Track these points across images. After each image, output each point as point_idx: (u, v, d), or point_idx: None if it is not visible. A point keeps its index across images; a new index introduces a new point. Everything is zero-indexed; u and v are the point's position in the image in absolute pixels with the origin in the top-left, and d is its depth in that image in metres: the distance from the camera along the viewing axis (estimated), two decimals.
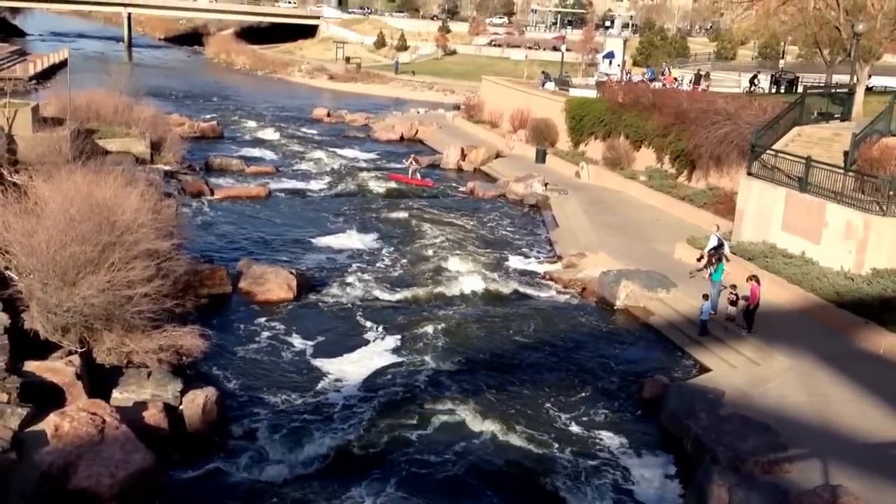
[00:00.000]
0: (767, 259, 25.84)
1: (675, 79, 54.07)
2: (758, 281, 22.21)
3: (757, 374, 20.14)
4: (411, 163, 44.17)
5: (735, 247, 27.16)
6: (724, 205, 32.18)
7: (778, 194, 26.78)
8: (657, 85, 50.23)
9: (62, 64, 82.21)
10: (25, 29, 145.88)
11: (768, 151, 28.03)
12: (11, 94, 38.42)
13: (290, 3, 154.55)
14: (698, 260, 26.56)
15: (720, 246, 25.45)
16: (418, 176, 43.37)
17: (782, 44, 69.30)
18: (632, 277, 26.19)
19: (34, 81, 69.96)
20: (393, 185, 41.85)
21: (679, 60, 69.27)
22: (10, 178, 27.31)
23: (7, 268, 19.07)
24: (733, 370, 20.75)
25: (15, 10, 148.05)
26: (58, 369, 15.65)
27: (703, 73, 56.16)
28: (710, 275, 24.34)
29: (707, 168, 36.40)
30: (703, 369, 21.28)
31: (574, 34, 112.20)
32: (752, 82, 50.35)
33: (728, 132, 34.34)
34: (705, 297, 22.93)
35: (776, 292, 24.19)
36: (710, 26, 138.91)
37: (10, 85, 49.52)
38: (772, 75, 51.16)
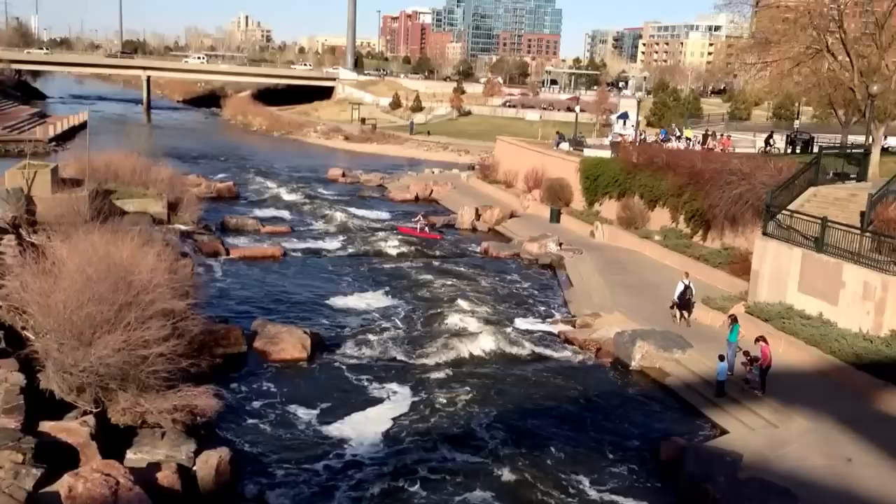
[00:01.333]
0: (784, 320, 25.64)
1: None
2: (765, 340, 22.15)
3: (775, 437, 19.84)
4: (419, 220, 45.85)
5: (751, 307, 27.03)
6: (740, 265, 32.06)
7: (794, 255, 26.69)
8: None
9: (82, 126, 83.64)
10: (46, 91, 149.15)
11: (784, 211, 28.01)
12: (31, 155, 39.23)
13: (306, 65, 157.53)
14: (671, 307, 28.91)
15: (685, 291, 28.30)
16: (427, 230, 45.06)
17: (797, 104, 69.85)
18: (647, 338, 26.03)
19: (54, 143, 71.33)
20: (408, 245, 41.97)
21: (692, 121, 69.79)
22: (28, 239, 27.67)
23: (24, 328, 19.20)
24: (751, 432, 20.46)
25: (36, 74, 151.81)
26: (72, 429, 15.62)
27: (710, 132, 56.57)
28: (728, 335, 24.21)
29: (722, 228, 36.37)
30: (721, 431, 20.99)
31: (588, 95, 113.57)
32: (767, 142, 50.61)
33: (743, 192, 34.37)
34: (721, 357, 22.80)
35: (794, 354, 23.96)
36: (724, 87, 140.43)
37: (30, 147, 50.55)
38: (787, 135, 51.44)
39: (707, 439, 20.49)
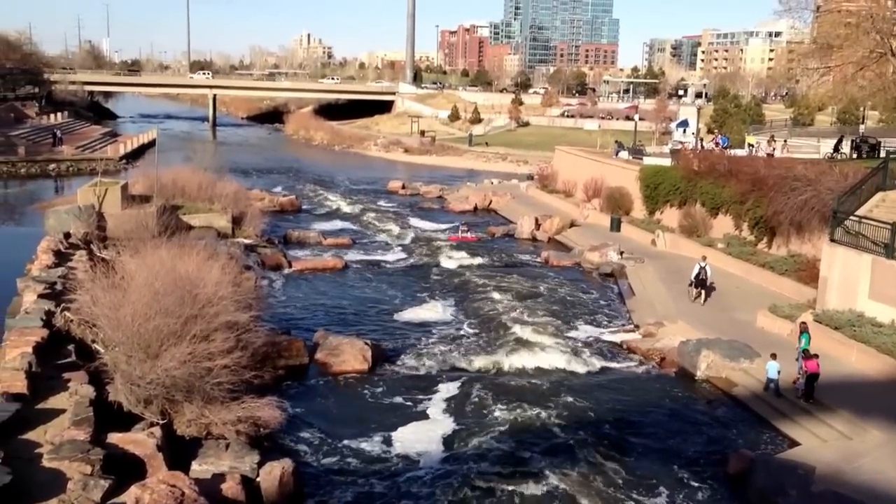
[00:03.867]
0: (855, 328, 24.87)
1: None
2: (808, 355, 22.04)
3: (849, 449, 19.22)
4: (462, 227, 48.25)
5: (820, 315, 26.29)
6: (807, 272, 31.27)
7: (863, 261, 25.90)
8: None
9: (150, 144, 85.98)
10: (117, 111, 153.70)
11: (851, 217, 27.22)
12: (103, 173, 40.37)
13: (354, 80, 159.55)
14: (689, 285, 32.43)
15: (700, 271, 31.82)
16: (468, 235, 47.15)
17: (862, 109, 67.99)
18: (713, 347, 25.53)
19: (124, 161, 73.36)
20: (468, 256, 41.92)
21: (754, 127, 68.41)
22: (99, 254, 28.45)
23: (94, 341, 19.68)
24: (824, 444, 19.85)
25: (107, 94, 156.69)
26: (140, 441, 15.90)
27: (774, 138, 55.19)
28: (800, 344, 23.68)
29: (787, 235, 35.55)
30: (792, 443, 20.43)
31: (647, 103, 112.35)
32: (836, 148, 49.25)
33: (808, 198, 33.56)
34: (773, 356, 22.68)
35: (866, 363, 23.22)
36: (786, 92, 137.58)
37: (101, 165, 52.10)
38: (852, 140, 50.03)
39: (777, 452, 19.93)
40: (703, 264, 32.21)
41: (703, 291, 32.07)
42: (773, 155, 47.88)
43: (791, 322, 26.92)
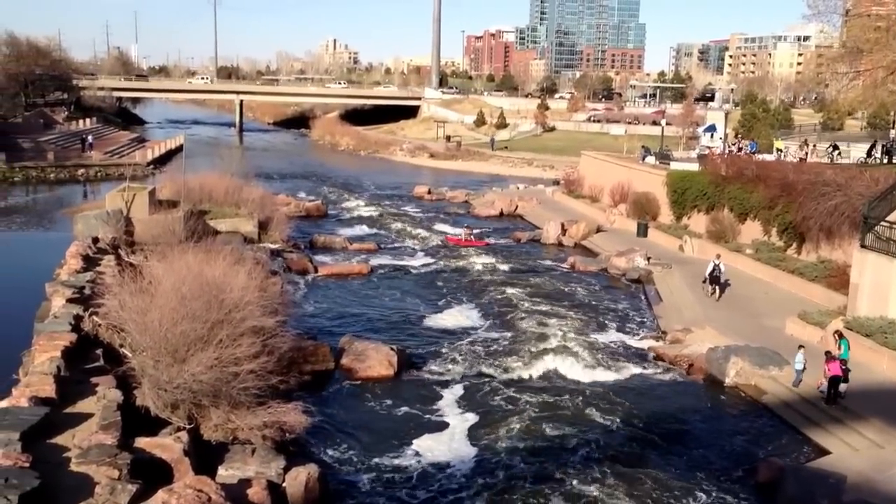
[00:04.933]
0: (886, 335, 24.48)
1: None
2: (829, 357, 22.03)
3: (881, 458, 18.90)
4: (466, 230, 48.64)
5: (850, 322, 25.90)
6: (837, 278, 30.86)
7: (895, 267, 25.50)
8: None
9: (178, 149, 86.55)
10: (144, 117, 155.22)
11: (882, 223, 26.82)
12: (131, 178, 40.68)
13: (388, 85, 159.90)
14: (703, 282, 34.12)
15: (714, 269, 33.51)
16: (472, 238, 47.57)
17: (892, 113, 67.08)
18: (741, 354, 25.24)
19: (152, 166, 73.99)
20: (494, 261, 41.86)
21: (783, 132, 67.73)
22: (126, 259, 28.66)
23: (122, 345, 19.80)
24: (855, 453, 19.54)
25: (136, 100, 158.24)
26: (167, 445, 15.95)
27: (804, 142, 54.57)
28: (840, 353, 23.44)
29: (817, 240, 35.11)
30: (822, 452, 20.13)
31: (674, 108, 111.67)
32: (869, 153, 48.58)
33: (838, 204, 33.13)
34: (801, 347, 22.90)
35: None
36: (815, 97, 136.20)
37: (129, 170, 52.51)
38: (883, 145, 49.38)
39: (808, 460, 19.68)
40: (717, 262, 34.01)
41: (717, 288, 33.55)
42: (805, 160, 47.37)
43: (821, 329, 26.59)
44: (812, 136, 61.13)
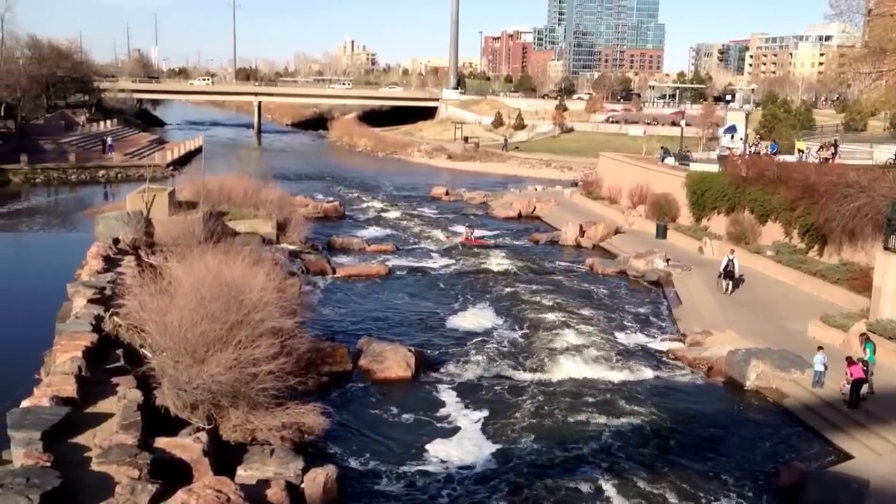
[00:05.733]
0: None
1: None
2: (850, 360, 21.86)
3: None
4: (467, 229, 48.90)
5: (873, 325, 25.62)
6: (860, 281, 30.53)
7: None
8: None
9: (197, 150, 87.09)
10: (164, 119, 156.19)
11: None
12: (151, 180, 40.96)
13: (397, 86, 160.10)
14: (718, 277, 34.90)
15: (728, 264, 34.30)
16: (472, 238, 47.59)
17: None
18: (762, 357, 25.01)
19: (171, 168, 74.45)
20: (512, 262, 41.75)
21: (804, 133, 67.19)
22: (147, 259, 28.82)
23: (142, 345, 19.90)
24: (878, 458, 19.30)
25: (155, 102, 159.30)
26: (186, 446, 16.01)
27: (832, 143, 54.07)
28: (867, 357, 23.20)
29: (840, 242, 34.77)
30: (845, 456, 19.91)
31: (693, 109, 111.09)
32: None
33: (861, 205, 32.78)
34: (820, 348, 22.75)
35: None
36: (837, 97, 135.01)
37: (149, 172, 52.91)
38: None
39: (830, 464, 19.46)
40: (731, 257, 34.77)
41: (730, 283, 34.37)
42: (829, 160, 46.87)
43: (843, 332, 26.33)
44: (835, 137, 60.57)
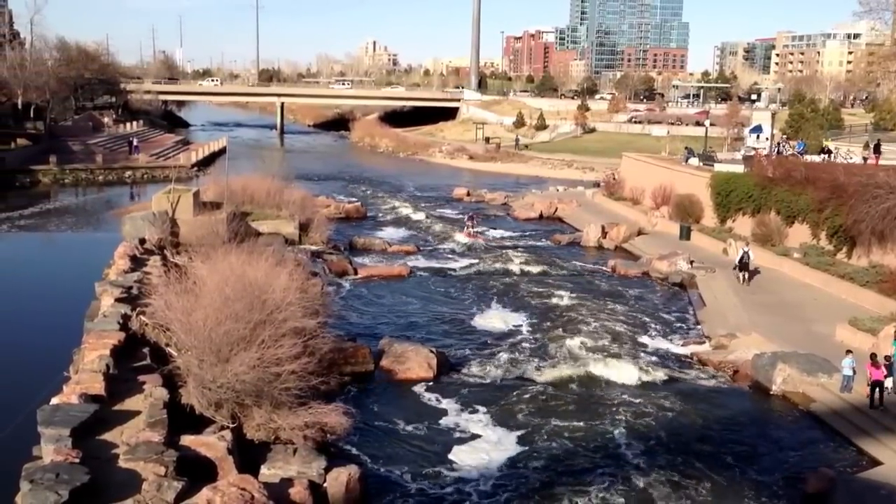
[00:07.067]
0: None
1: None
2: (874, 359, 21.85)
3: None
4: (468, 223, 50.41)
5: None
6: (890, 284, 30.19)
7: None
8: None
9: (221, 151, 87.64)
10: (189, 120, 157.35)
11: None
12: (175, 180, 41.24)
13: (417, 86, 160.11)
14: (734, 269, 36.44)
15: (743, 255, 35.82)
16: (472, 233, 49.04)
17: None
18: (789, 360, 24.75)
19: (196, 168, 74.94)
20: (534, 263, 41.60)
21: (832, 133, 66.49)
22: (172, 259, 29.03)
23: (167, 344, 20.05)
24: None
25: (180, 104, 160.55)
26: (211, 444, 16.10)
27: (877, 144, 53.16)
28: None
29: (869, 244, 34.35)
30: (874, 462, 19.65)
31: (718, 109, 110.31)
32: None
33: (891, 206, 32.41)
34: (849, 352, 22.48)
35: None
36: (866, 97, 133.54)
37: (174, 172, 53.34)
38: None
39: (859, 471, 19.24)
40: (746, 249, 36.43)
41: (745, 274, 35.78)
42: (868, 160, 46.24)
43: (873, 336, 25.97)
44: (864, 137, 59.88)
